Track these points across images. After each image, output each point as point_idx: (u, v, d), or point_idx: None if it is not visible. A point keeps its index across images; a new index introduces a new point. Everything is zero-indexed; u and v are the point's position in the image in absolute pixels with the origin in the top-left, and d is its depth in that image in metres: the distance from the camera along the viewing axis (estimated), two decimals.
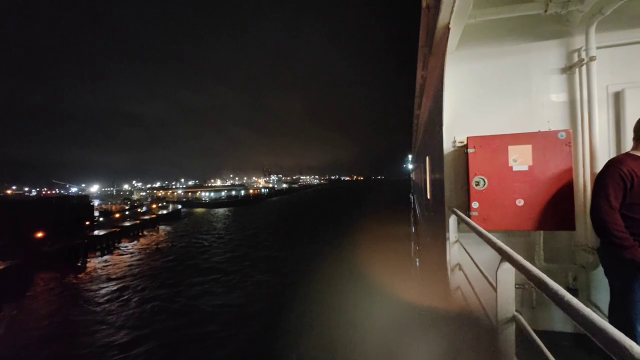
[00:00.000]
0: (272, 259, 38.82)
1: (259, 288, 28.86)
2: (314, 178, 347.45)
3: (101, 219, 58.06)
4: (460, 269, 3.37)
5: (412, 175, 28.05)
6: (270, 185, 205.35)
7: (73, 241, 43.14)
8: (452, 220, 3.45)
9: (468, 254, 3.11)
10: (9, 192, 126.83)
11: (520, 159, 3.29)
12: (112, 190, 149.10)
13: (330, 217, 72.21)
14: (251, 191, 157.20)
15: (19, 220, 37.74)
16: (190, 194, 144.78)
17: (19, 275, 31.77)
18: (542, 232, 3.57)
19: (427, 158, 6.80)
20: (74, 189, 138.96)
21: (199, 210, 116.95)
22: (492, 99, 3.80)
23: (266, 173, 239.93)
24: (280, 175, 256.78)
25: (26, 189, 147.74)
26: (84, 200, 55.84)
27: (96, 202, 75.97)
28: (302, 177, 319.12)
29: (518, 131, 3.44)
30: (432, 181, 6.09)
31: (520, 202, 3.28)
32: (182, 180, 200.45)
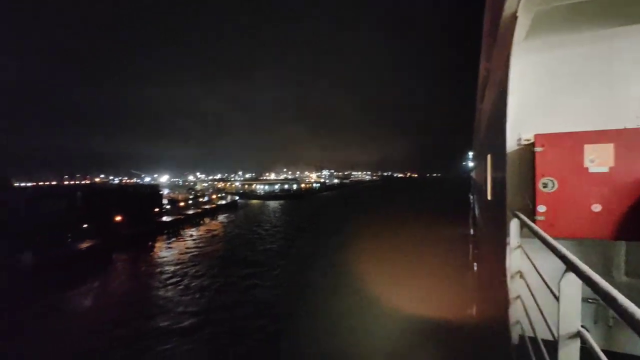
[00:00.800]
0: (321, 256, 39.08)
1: (307, 285, 29.18)
2: (366, 174, 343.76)
3: (168, 206, 63.90)
4: (522, 276, 3.15)
5: (473, 174, 26.13)
6: (322, 180, 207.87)
7: (145, 226, 48.20)
8: (514, 224, 3.22)
9: (530, 261, 2.90)
10: (97, 180, 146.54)
11: (598, 159, 2.98)
12: (179, 181, 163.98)
13: (383, 214, 70.62)
14: (303, 185, 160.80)
15: (103, 205, 43.18)
16: (246, 186, 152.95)
17: (101, 253, 36.39)
18: (624, 242, 3.28)
19: (489, 156, 6.47)
20: (147, 179, 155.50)
21: (254, 202, 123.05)
22: (565, 92, 3.52)
23: (318, 168, 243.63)
24: (332, 170, 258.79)
25: (110, 177, 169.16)
26: (155, 189, 62.14)
27: (165, 192, 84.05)
28: (353, 173, 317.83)
29: (596, 128, 3.11)
30: (493, 181, 5.81)
31: (596, 208, 2.98)
32: (240, 173, 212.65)
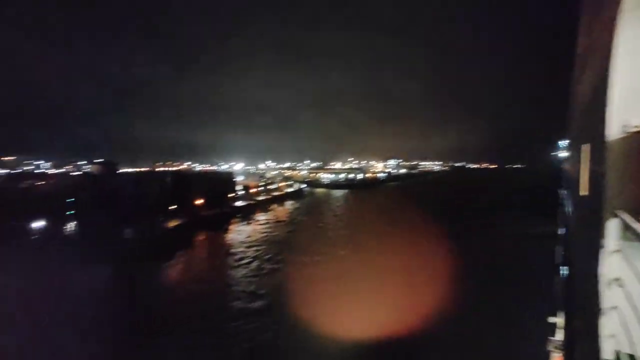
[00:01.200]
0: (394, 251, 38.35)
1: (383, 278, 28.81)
2: (435, 164, 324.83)
3: (242, 192, 69.29)
4: (620, 285, 2.77)
5: (565, 165, 22.86)
6: (388, 170, 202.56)
7: (221, 209, 53.13)
8: (614, 224, 2.87)
9: (633, 267, 2.55)
10: (183, 166, 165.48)
11: None
12: (251, 169, 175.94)
13: (453, 209, 66.22)
14: (368, 175, 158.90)
15: (186, 189, 48.72)
16: (312, 174, 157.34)
17: (185, 232, 41.26)
18: None
19: (586, 145, 5.71)
20: (224, 166, 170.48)
21: (320, 190, 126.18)
22: None
23: (385, 157, 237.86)
24: (400, 160, 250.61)
25: (195, 164, 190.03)
26: (230, 176, 67.86)
27: (239, 178, 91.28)
28: (422, 163, 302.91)
29: None
30: (590, 174, 5.16)
31: None
32: (307, 161, 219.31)
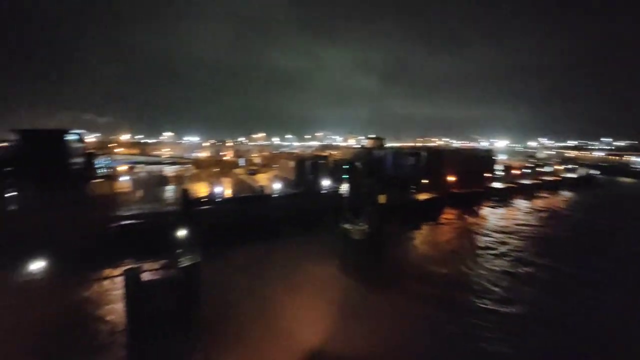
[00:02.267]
0: None
1: None
2: None
3: (501, 173, 61.58)
4: None
5: None
6: None
7: (474, 189, 50.16)
8: None
9: None
10: (439, 142, 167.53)
11: None
12: (518, 147, 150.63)
13: None
14: None
15: (440, 165, 49.61)
16: (613, 157, 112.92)
17: (434, 206, 42.71)
18: None
19: None
20: (483, 143, 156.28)
21: (626, 180, 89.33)
22: None
23: None
24: None
25: (451, 140, 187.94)
26: (489, 154, 61.65)
27: (501, 157, 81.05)
28: None
29: None
30: None
31: None
32: (607, 139, 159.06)
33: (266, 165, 68.68)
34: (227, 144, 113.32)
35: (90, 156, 33.88)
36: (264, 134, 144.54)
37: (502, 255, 29.12)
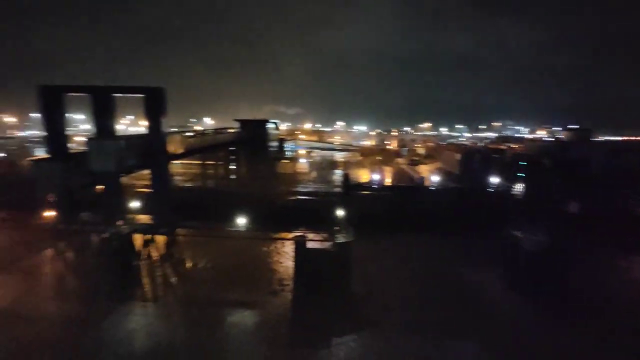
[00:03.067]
0: None
1: None
2: None
3: None
4: None
5: None
6: None
7: None
8: None
9: None
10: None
11: None
12: None
13: None
14: None
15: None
16: None
17: None
18: None
19: None
20: None
21: None
22: None
23: None
24: None
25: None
26: None
27: None
28: None
29: None
30: None
31: None
32: None
33: (430, 156, 65.83)
34: (392, 133, 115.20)
35: (282, 141, 43.68)
36: (430, 124, 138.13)
37: None
